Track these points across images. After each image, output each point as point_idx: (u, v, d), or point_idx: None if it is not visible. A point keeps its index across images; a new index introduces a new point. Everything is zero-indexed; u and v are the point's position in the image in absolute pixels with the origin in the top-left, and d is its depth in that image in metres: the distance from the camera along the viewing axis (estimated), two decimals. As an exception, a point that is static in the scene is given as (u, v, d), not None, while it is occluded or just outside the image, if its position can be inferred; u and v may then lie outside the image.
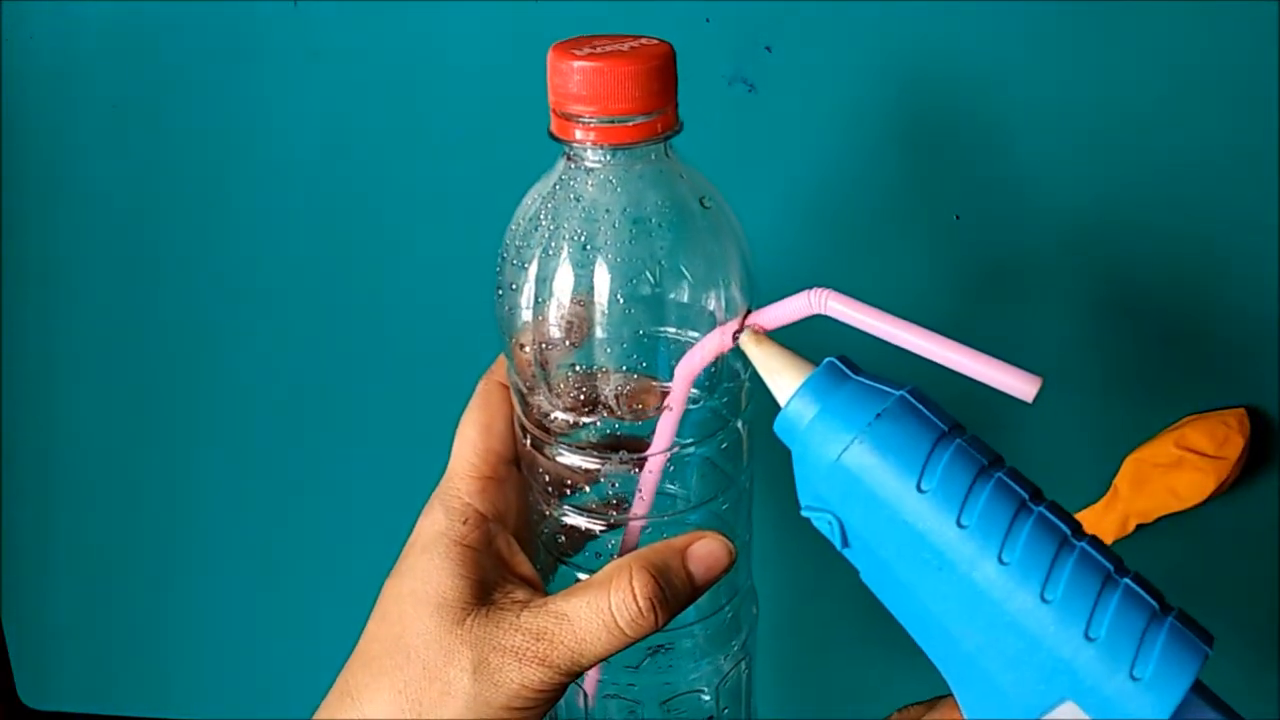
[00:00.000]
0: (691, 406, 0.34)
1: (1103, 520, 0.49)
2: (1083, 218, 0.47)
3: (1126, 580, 0.27)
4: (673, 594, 0.32)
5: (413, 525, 0.36)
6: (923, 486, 0.28)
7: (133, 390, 0.55)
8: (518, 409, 0.36)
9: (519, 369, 0.35)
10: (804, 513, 0.30)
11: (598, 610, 0.32)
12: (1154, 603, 0.26)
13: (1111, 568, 0.27)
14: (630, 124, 0.31)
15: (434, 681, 0.32)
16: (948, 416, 0.30)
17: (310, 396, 0.54)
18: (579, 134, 0.32)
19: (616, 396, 0.34)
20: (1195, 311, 0.47)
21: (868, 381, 0.30)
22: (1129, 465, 0.48)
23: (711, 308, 0.33)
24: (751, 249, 0.35)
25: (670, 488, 0.37)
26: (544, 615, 0.32)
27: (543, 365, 0.34)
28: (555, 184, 0.34)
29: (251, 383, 0.54)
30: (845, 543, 0.29)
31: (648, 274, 0.33)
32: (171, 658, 0.60)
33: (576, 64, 0.31)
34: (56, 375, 0.55)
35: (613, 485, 0.36)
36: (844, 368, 0.31)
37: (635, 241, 0.33)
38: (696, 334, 0.34)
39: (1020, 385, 0.30)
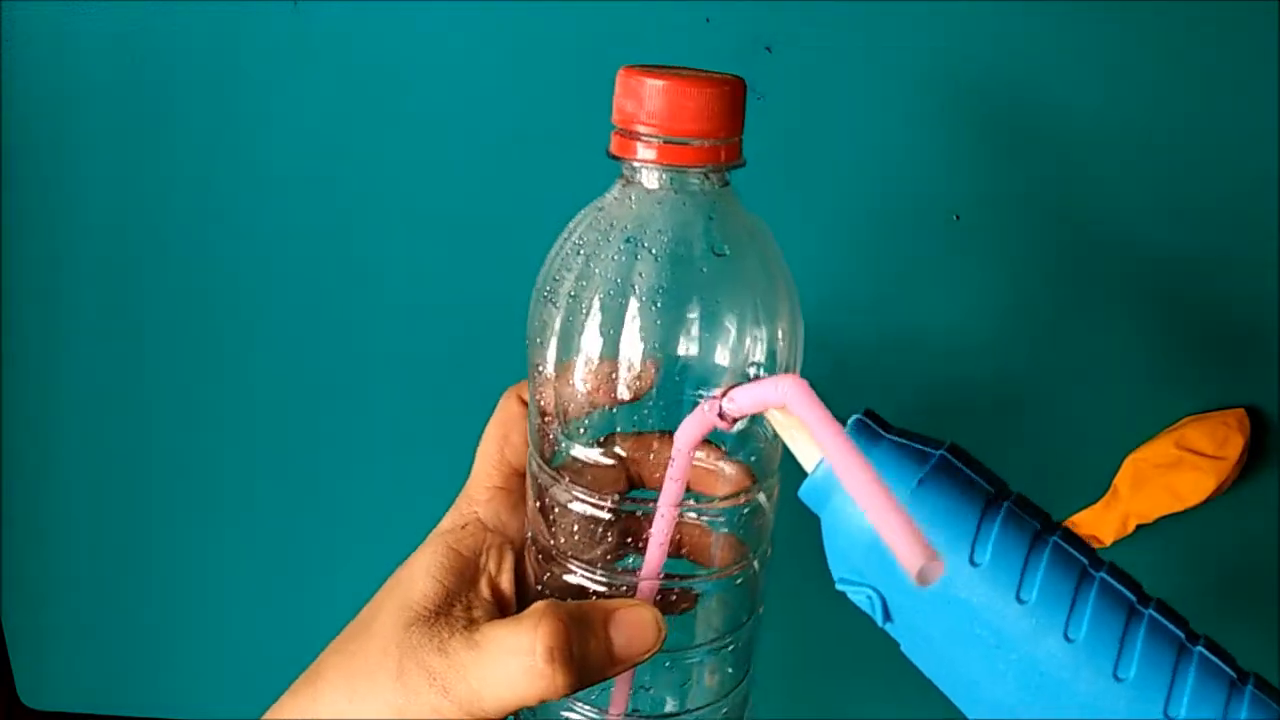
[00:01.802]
0: (706, 466, 0.32)
1: (1103, 520, 0.49)
2: (1083, 218, 0.47)
3: (1200, 648, 0.25)
4: (582, 654, 0.30)
5: (416, 527, 0.36)
6: (975, 560, 0.26)
7: (133, 390, 0.55)
8: (530, 432, 0.35)
9: (537, 394, 0.34)
10: (839, 586, 0.28)
11: (504, 649, 0.30)
12: (1230, 670, 0.25)
13: (1183, 635, 0.25)
14: (694, 145, 0.30)
15: (369, 677, 0.31)
16: (990, 475, 0.28)
17: (311, 397, 0.54)
18: (640, 150, 0.31)
19: (630, 457, 0.33)
20: (1195, 311, 0.47)
21: (902, 441, 0.28)
22: (1129, 465, 0.48)
23: (753, 365, 0.31)
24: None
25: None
26: (469, 640, 0.31)
27: (562, 411, 0.33)
28: (604, 211, 0.32)
29: (252, 383, 0.54)
30: (887, 617, 0.27)
31: (688, 326, 0.31)
32: (171, 658, 0.60)
33: (648, 80, 0.30)
34: (56, 375, 0.55)
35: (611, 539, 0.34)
36: (874, 425, 0.28)
37: (678, 284, 0.31)
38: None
39: (913, 560, 0.25)
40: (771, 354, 0.32)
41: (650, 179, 0.31)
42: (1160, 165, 0.45)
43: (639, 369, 0.31)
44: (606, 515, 0.33)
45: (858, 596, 0.27)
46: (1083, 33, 0.44)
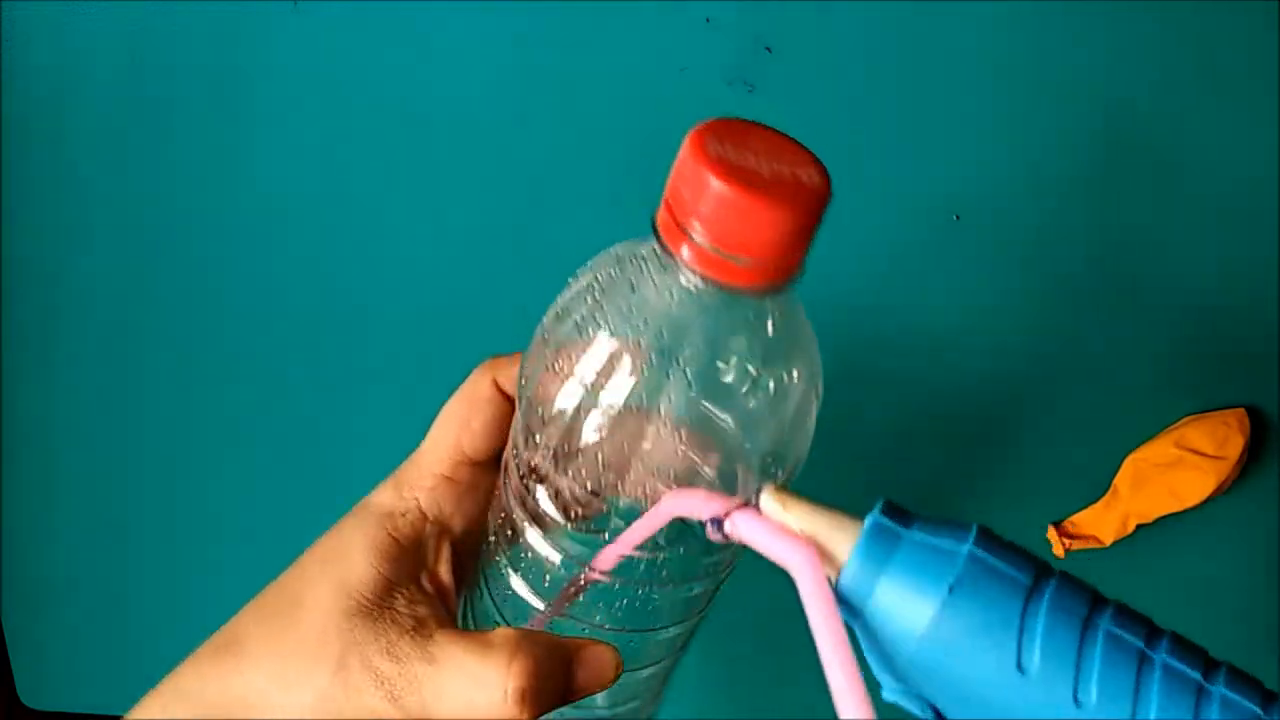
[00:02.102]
0: (659, 553, 0.30)
1: (1103, 520, 0.49)
2: (1082, 218, 0.47)
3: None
4: (546, 693, 0.29)
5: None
6: (1023, 665, 0.24)
7: (133, 391, 0.55)
8: (510, 445, 0.33)
9: (521, 419, 0.32)
10: (887, 697, 0.26)
11: (466, 673, 0.29)
12: None
13: (1259, 711, 0.23)
14: (748, 267, 0.26)
15: (304, 663, 0.30)
16: (1023, 555, 0.26)
17: (312, 398, 0.54)
18: (687, 252, 0.27)
19: (581, 511, 0.31)
20: (1195, 311, 0.47)
21: (924, 540, 0.26)
22: (1129, 465, 0.48)
23: (739, 480, 0.29)
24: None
25: (606, 608, 0.33)
26: (421, 649, 0.30)
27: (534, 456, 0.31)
28: (638, 295, 0.29)
29: (253, 384, 0.54)
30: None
31: (703, 458, 0.29)
32: (172, 658, 0.60)
33: (711, 177, 0.25)
34: (56, 375, 0.55)
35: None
36: (892, 524, 0.26)
37: (705, 417, 0.28)
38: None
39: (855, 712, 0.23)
40: (782, 477, 0.30)
41: (695, 280, 0.27)
42: (1160, 165, 0.45)
43: (644, 490, 0.29)
44: (557, 563, 0.32)
45: (912, 706, 0.26)
46: (1083, 32, 0.44)
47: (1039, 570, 0.25)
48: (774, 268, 0.27)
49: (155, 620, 0.59)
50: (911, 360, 0.49)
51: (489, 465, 0.35)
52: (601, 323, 0.29)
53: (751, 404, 0.28)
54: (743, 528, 0.27)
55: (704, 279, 0.27)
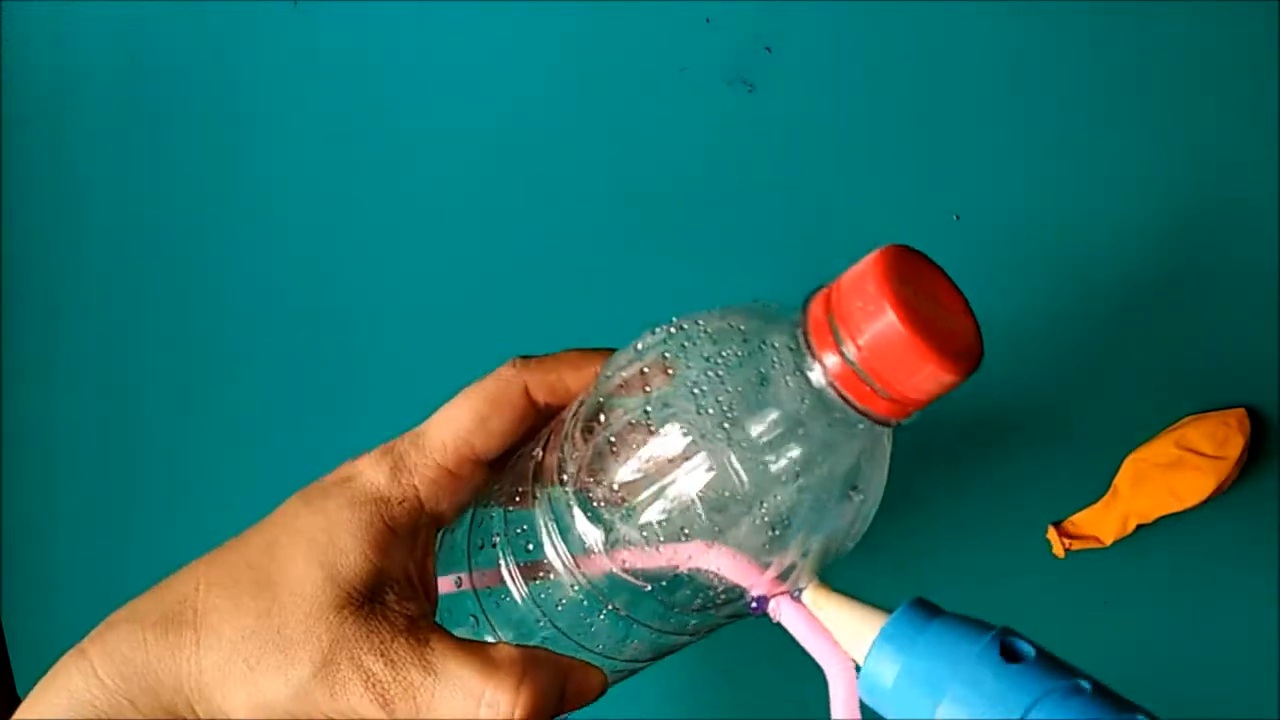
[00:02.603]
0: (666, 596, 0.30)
1: (1103, 520, 0.49)
2: (1082, 218, 0.47)
3: None
4: (545, 716, 0.28)
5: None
6: None
7: (133, 390, 0.55)
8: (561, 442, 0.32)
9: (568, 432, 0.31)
10: None
11: (468, 690, 0.27)
12: None
13: None
14: (887, 400, 0.27)
15: (280, 650, 0.28)
16: (1045, 661, 0.26)
17: (313, 399, 0.54)
18: (834, 365, 0.27)
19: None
20: (1195, 311, 0.47)
21: (944, 634, 0.26)
22: (1129, 465, 0.48)
23: (771, 561, 0.29)
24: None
25: (594, 619, 0.32)
26: (417, 655, 0.28)
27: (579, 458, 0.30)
28: (771, 390, 0.28)
29: (253, 385, 0.54)
30: None
31: (754, 500, 0.28)
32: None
33: (891, 314, 0.25)
34: (57, 375, 0.55)
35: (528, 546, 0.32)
36: (914, 619, 0.27)
37: (770, 464, 0.28)
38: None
39: None
40: (801, 567, 0.30)
41: (826, 385, 0.27)
42: (1161, 164, 0.45)
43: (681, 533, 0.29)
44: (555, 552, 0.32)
45: None
46: (1084, 32, 0.44)
47: (1055, 671, 0.26)
48: (907, 409, 0.27)
49: (155, 620, 0.59)
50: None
51: (496, 466, 0.33)
52: (721, 405, 0.28)
53: (838, 515, 0.29)
54: (788, 617, 0.29)
55: (841, 396, 0.27)
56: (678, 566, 0.29)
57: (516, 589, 0.32)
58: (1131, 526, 0.48)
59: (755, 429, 0.28)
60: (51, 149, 0.51)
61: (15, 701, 0.61)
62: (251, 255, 0.52)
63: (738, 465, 0.28)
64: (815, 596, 0.29)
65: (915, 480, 0.51)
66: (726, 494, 0.28)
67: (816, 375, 0.27)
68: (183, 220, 0.52)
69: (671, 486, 0.28)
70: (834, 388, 0.27)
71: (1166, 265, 0.47)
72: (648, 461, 0.29)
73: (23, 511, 0.58)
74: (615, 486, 0.29)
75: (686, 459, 0.28)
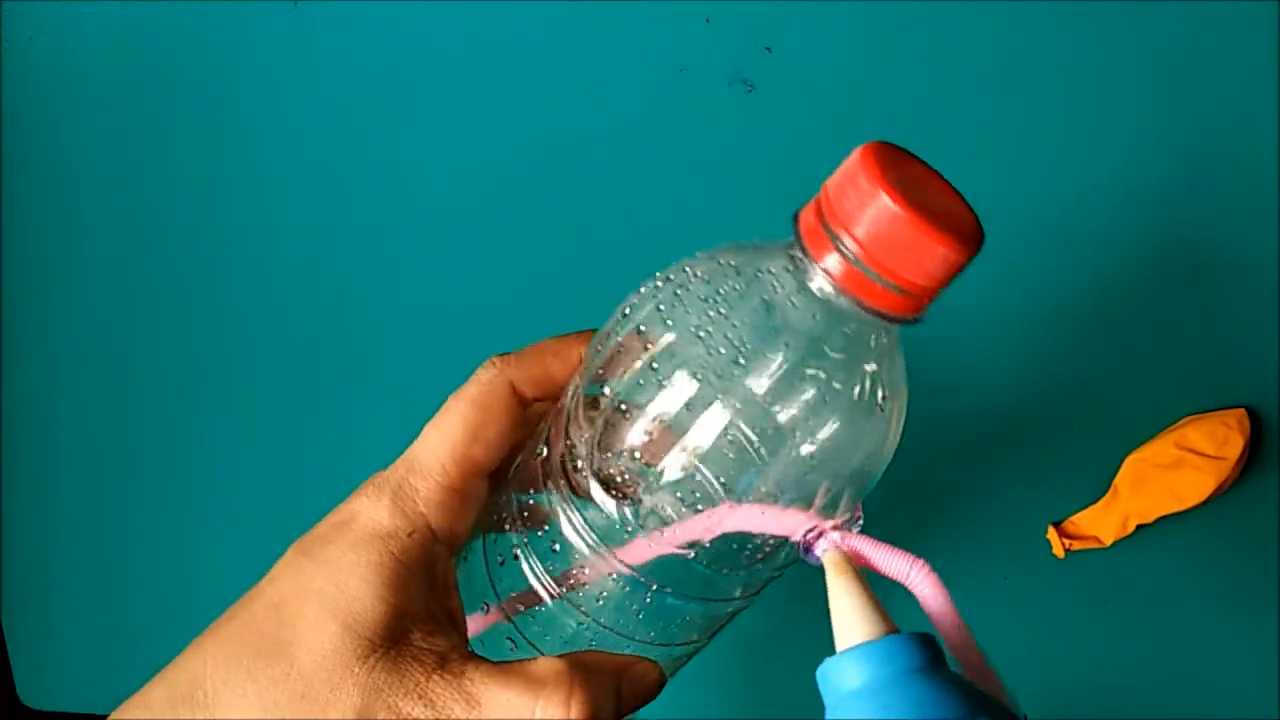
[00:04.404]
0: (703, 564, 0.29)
1: (1103, 520, 0.49)
2: (1082, 218, 0.47)
3: None
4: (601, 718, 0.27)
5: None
6: None
7: (133, 390, 0.55)
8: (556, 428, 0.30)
9: (573, 412, 0.30)
10: None
11: (516, 713, 0.26)
12: None
13: None
14: (895, 294, 0.26)
15: (309, 715, 0.26)
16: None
17: (313, 399, 0.54)
18: (838, 266, 0.26)
19: (646, 504, 0.28)
20: (1195, 311, 0.47)
21: (921, 686, 0.25)
22: (1129, 465, 0.48)
23: (817, 500, 0.28)
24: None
25: (629, 608, 0.31)
26: (456, 689, 0.26)
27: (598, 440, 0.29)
28: (775, 308, 0.27)
29: (254, 385, 0.54)
30: None
31: (785, 431, 0.27)
32: (172, 658, 0.60)
33: (886, 200, 0.25)
34: (57, 375, 0.55)
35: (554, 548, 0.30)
36: (907, 651, 0.25)
37: (794, 389, 0.27)
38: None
39: None
40: (843, 497, 0.29)
41: (833, 292, 0.26)
42: (1160, 164, 0.45)
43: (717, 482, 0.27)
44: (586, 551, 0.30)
45: None
46: (1084, 32, 0.44)
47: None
48: (918, 301, 0.26)
49: (156, 620, 0.59)
50: (910, 360, 0.49)
51: (496, 475, 0.31)
52: (734, 342, 0.27)
53: (873, 428, 0.28)
54: (855, 543, 0.28)
55: (846, 296, 0.26)
56: (716, 528, 0.28)
57: (550, 596, 0.31)
58: (1131, 526, 0.48)
59: (771, 358, 0.26)
60: (51, 149, 0.51)
61: (15, 701, 0.61)
62: (251, 255, 0.52)
63: (761, 400, 0.26)
64: (835, 565, 0.27)
65: (915, 480, 0.51)
66: (755, 434, 0.27)
67: (820, 283, 0.26)
68: (182, 220, 0.52)
69: (693, 436, 0.27)
70: (841, 291, 0.26)
71: (1167, 265, 0.47)
72: (663, 418, 0.27)
73: (23, 511, 0.58)
74: (636, 454, 0.28)
75: (706, 405, 0.27)
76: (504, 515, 0.32)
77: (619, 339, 0.29)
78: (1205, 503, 0.47)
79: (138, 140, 0.50)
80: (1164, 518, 0.48)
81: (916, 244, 0.25)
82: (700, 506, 0.28)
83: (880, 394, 0.27)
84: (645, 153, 0.48)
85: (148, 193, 0.51)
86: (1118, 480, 0.48)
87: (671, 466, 0.28)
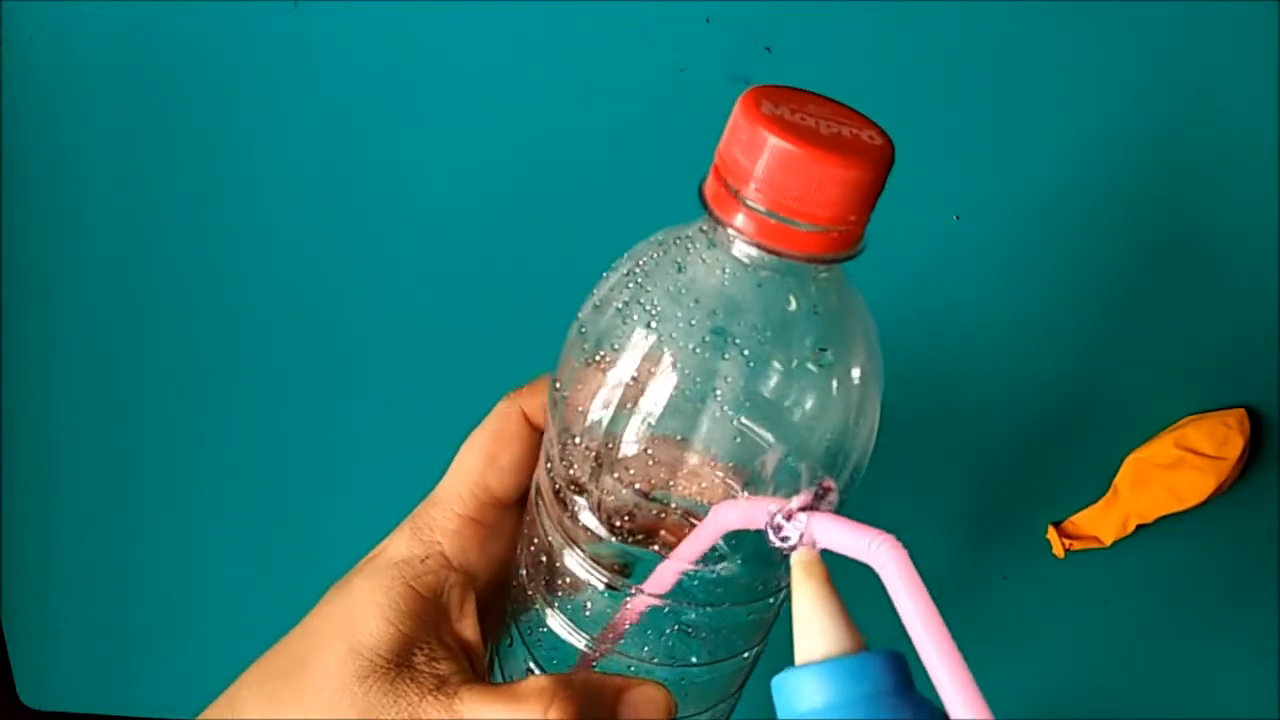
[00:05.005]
0: (716, 568, 0.28)
1: (1103, 520, 0.49)
2: (1082, 218, 0.47)
3: None
4: None
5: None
6: None
7: (133, 390, 0.55)
8: (543, 461, 0.30)
9: (554, 419, 0.29)
10: None
11: None
12: None
13: None
14: (815, 233, 0.24)
15: None
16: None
17: (313, 400, 0.54)
18: (742, 221, 0.25)
19: (629, 521, 0.28)
20: (1195, 311, 0.47)
21: (885, 707, 0.23)
22: (1129, 465, 0.48)
23: (802, 478, 0.26)
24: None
25: (656, 637, 0.30)
26: (446, 710, 0.27)
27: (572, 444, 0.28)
28: (685, 275, 0.26)
29: (253, 385, 0.54)
30: None
31: (767, 445, 0.26)
32: (172, 658, 0.60)
33: (770, 137, 0.24)
34: (57, 375, 0.55)
35: (589, 606, 0.30)
36: (876, 671, 0.23)
37: (768, 398, 0.26)
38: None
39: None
40: (845, 477, 0.27)
41: (748, 252, 0.25)
42: (1160, 165, 0.45)
43: (699, 487, 0.27)
44: (602, 589, 0.30)
45: None
46: (1084, 32, 0.44)
47: None
48: (836, 234, 0.24)
49: (156, 620, 0.59)
50: (910, 360, 0.49)
51: (515, 506, 0.32)
52: (646, 308, 0.26)
53: (814, 386, 0.26)
54: (817, 527, 0.25)
55: (760, 248, 0.25)
56: (713, 539, 0.27)
57: (598, 647, 0.31)
58: (1131, 526, 0.48)
59: (683, 316, 0.26)
60: (51, 149, 0.51)
61: (16, 701, 0.61)
62: (251, 255, 0.52)
63: (680, 362, 0.26)
64: (801, 566, 0.25)
65: (915, 480, 0.51)
66: (684, 399, 0.26)
67: (724, 235, 0.25)
68: (182, 220, 0.52)
69: (643, 403, 0.26)
70: (752, 243, 0.25)
71: (1167, 266, 0.47)
72: (611, 393, 0.27)
73: (23, 511, 0.58)
74: (609, 457, 0.27)
75: (646, 374, 0.26)
76: (531, 594, 0.32)
77: (567, 355, 0.29)
78: (1205, 503, 0.47)
79: (138, 140, 0.50)
80: (1164, 518, 0.48)
81: (811, 173, 0.24)
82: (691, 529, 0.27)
83: (820, 346, 0.26)
84: (645, 152, 0.48)
85: (148, 193, 0.51)
86: (1118, 480, 0.48)
87: (624, 442, 0.27)
